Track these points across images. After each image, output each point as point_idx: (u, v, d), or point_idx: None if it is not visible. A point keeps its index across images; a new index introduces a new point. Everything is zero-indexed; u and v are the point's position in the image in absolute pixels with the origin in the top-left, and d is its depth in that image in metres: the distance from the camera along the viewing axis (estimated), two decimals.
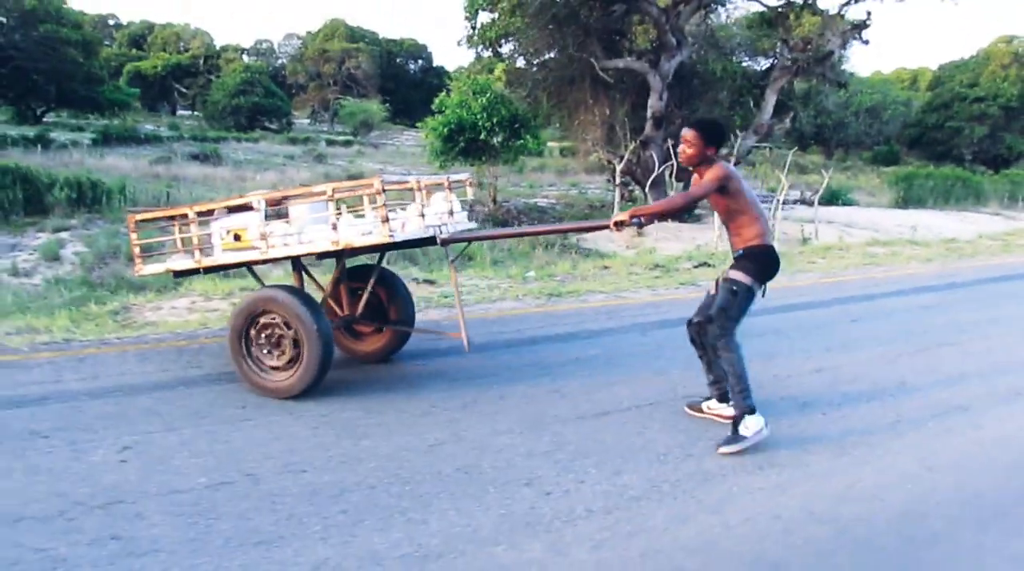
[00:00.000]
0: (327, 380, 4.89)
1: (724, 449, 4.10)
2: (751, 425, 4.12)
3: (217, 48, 61.23)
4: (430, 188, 5.09)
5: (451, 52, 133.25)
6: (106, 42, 56.15)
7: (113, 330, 5.94)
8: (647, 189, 19.02)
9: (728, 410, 4.39)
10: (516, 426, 4.31)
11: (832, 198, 24.77)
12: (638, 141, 20.11)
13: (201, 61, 57.81)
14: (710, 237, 16.78)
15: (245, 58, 61.05)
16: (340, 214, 4.56)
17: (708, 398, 4.59)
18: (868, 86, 43.02)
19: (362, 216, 4.88)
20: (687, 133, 4.17)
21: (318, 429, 4.16)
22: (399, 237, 4.50)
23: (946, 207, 25.34)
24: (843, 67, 26.06)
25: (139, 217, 4.86)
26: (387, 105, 52.24)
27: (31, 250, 14.04)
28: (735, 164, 20.47)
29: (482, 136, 22.28)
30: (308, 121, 61.42)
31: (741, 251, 4.20)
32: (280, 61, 65.34)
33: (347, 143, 43.69)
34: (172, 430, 4.05)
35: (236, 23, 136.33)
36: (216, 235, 4.73)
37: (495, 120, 22.17)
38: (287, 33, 68.50)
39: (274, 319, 4.59)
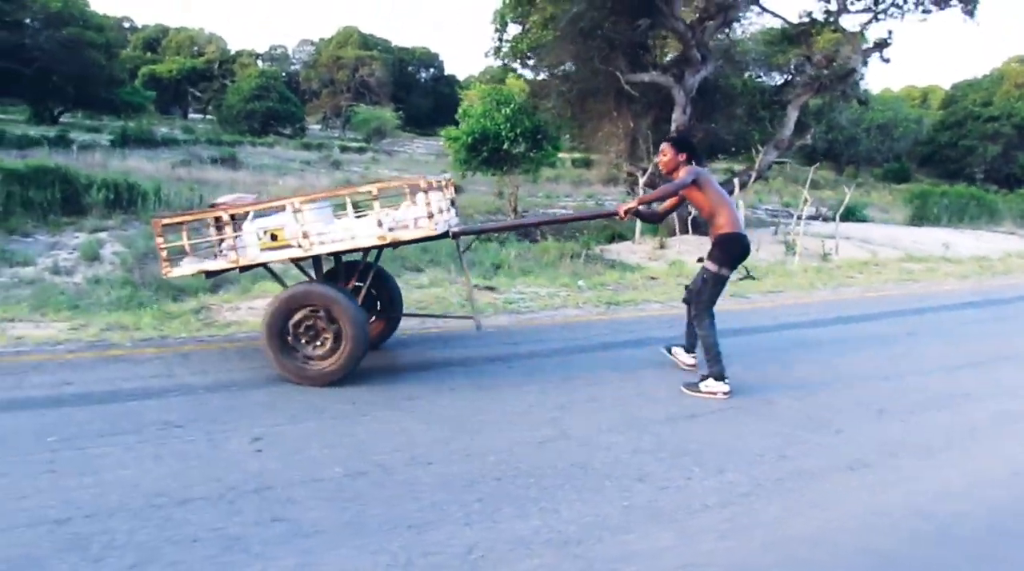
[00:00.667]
0: (426, 380, 5.14)
1: (684, 388, 5.26)
2: (712, 386, 5.17)
3: (232, 53, 61.74)
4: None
5: (462, 61, 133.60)
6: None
7: (199, 329, 6.16)
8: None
9: (689, 359, 5.69)
10: (615, 426, 4.54)
11: (847, 214, 24.98)
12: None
13: (216, 66, 58.25)
14: None
15: (259, 63, 61.53)
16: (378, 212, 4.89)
17: (680, 346, 5.77)
18: (879, 103, 43.34)
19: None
20: (664, 147, 5.35)
21: (431, 425, 4.38)
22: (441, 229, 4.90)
23: (960, 225, 25.54)
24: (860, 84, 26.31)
25: (165, 221, 5.03)
26: (399, 113, 52.57)
27: (70, 250, 14.28)
28: (755, 179, 20.71)
29: (505, 146, 22.53)
30: (319, 127, 61.81)
31: (713, 240, 5.19)
32: (294, 67, 65.85)
33: (360, 150, 44.00)
34: (296, 423, 4.27)
35: (250, 28, 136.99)
36: (253, 235, 4.94)
37: (518, 131, 22.44)
38: (301, 39, 69.04)
39: (313, 311, 4.87)
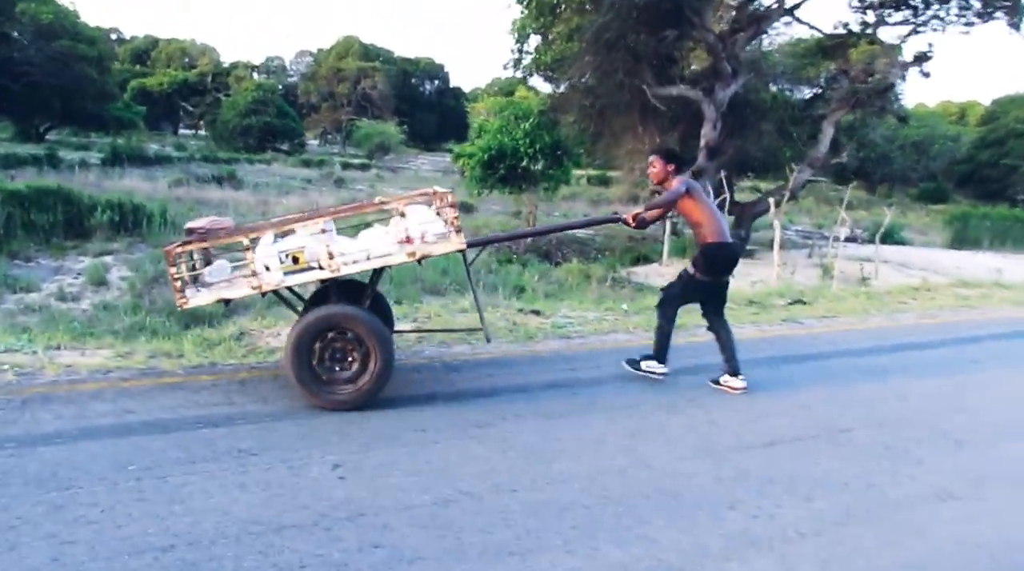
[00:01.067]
0: (490, 406, 5.36)
1: (624, 364, 6.20)
2: (653, 367, 6.11)
3: (226, 65, 62.57)
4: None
5: (468, 72, 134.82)
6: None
7: (245, 355, 6.37)
8: None
9: (740, 383, 5.96)
10: (693, 454, 4.75)
11: (886, 236, 25.19)
12: (690, 172, 20.64)
13: (209, 78, 59.04)
14: (767, 273, 17.25)
15: (255, 76, 62.34)
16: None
17: (724, 373, 6.06)
18: (914, 119, 43.70)
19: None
20: (653, 159, 5.99)
21: (506, 452, 4.60)
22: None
23: (1002, 249, 25.70)
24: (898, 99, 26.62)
25: (177, 249, 5.12)
26: (404, 127, 53.13)
27: (75, 274, 14.56)
28: (789, 198, 20.95)
29: (524, 163, 22.78)
30: (317, 142, 62.41)
31: (700, 247, 5.86)
32: (291, 79, 66.69)
33: (363, 167, 44.39)
34: (371, 450, 4.49)
35: (245, 39, 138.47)
36: (276, 259, 5.10)
37: (537, 147, 22.70)
38: (299, 50, 69.92)
39: (339, 334, 5.10)
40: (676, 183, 5.77)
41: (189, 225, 5.51)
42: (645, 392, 5.92)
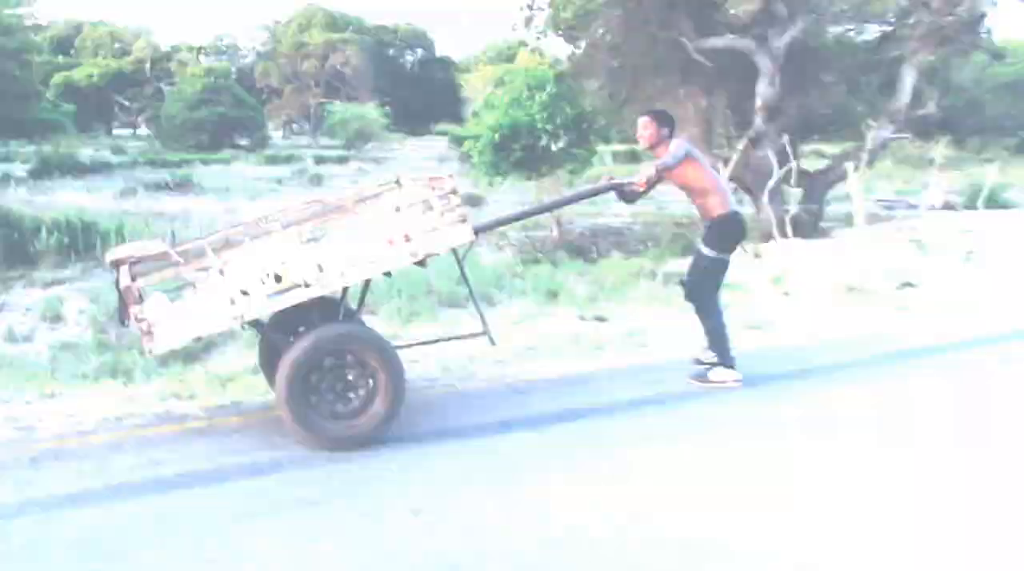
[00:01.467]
0: (575, 431, 5.53)
1: (692, 380, 6.47)
2: (722, 375, 6.36)
3: (165, 49, 62.99)
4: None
5: (457, 38, 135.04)
6: None
7: (266, 392, 6.53)
8: (765, 198, 19.50)
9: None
10: (868, 483, 4.81)
11: (987, 200, 25.07)
12: (747, 139, 20.70)
13: (147, 66, 59.47)
14: (850, 254, 17.32)
15: (203, 59, 62.78)
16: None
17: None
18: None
19: None
20: (645, 121, 6.34)
21: (610, 484, 4.76)
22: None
23: None
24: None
25: (137, 285, 5.09)
26: (385, 108, 53.32)
27: (23, 310, 14.76)
28: (868, 162, 20.93)
29: (543, 142, 22.81)
30: (281, 133, 62.80)
31: (707, 223, 6.32)
32: (247, 60, 67.17)
33: (341, 160, 44.54)
34: (449, 491, 4.66)
35: (185, 16, 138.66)
36: (255, 281, 5.17)
37: (558, 121, 22.72)
38: (256, 25, 70.39)
39: (343, 360, 5.26)
40: (674, 147, 6.16)
41: (113, 257, 5.36)
42: (761, 408, 6.04)
